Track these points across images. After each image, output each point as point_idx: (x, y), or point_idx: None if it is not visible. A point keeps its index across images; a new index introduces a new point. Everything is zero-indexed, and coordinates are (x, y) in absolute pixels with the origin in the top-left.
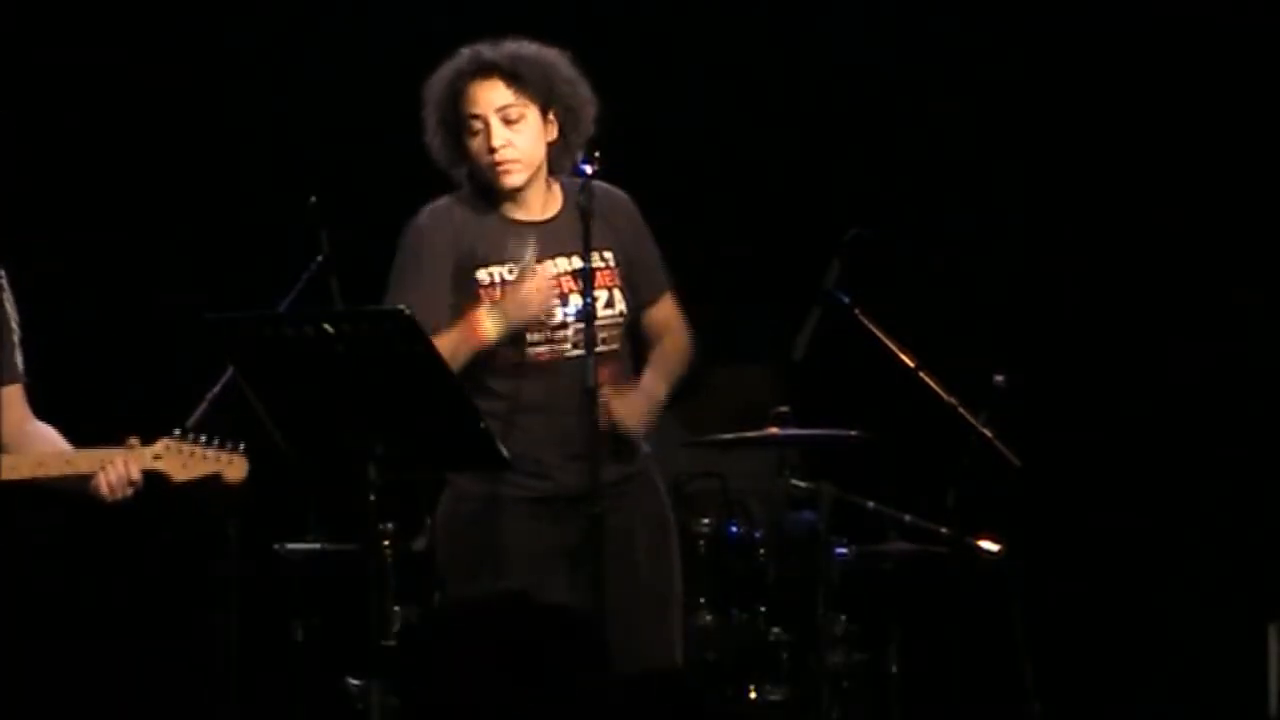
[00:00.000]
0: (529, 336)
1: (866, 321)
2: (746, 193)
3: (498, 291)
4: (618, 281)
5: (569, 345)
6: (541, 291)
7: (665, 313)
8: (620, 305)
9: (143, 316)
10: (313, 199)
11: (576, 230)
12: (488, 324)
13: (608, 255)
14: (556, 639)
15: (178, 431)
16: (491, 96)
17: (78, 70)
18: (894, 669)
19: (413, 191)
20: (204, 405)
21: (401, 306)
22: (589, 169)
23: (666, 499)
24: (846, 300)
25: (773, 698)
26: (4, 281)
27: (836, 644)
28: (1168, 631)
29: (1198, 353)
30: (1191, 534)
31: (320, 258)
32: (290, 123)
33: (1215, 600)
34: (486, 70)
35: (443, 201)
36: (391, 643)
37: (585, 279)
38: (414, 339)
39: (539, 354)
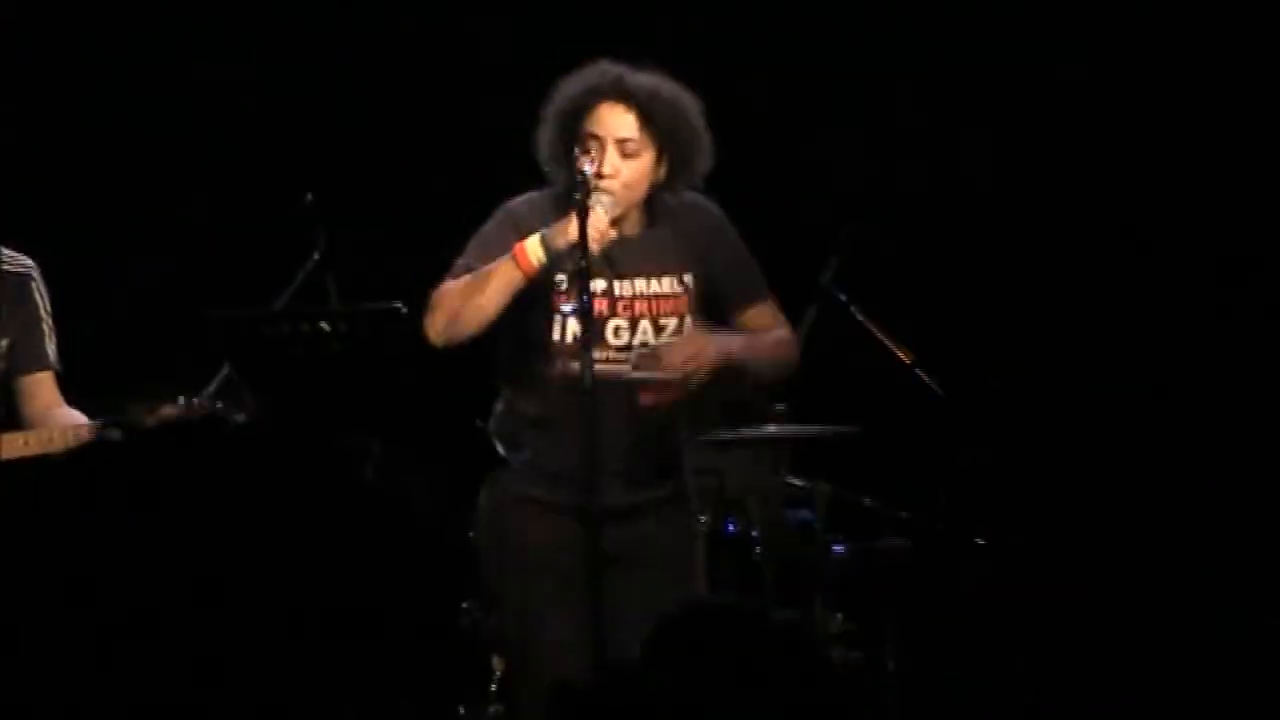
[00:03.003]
0: (595, 354)
1: (863, 319)
2: (741, 190)
3: (566, 297)
4: (691, 307)
5: (628, 367)
6: (592, 225)
7: (764, 319)
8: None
9: (138, 313)
10: (309, 196)
11: (658, 250)
12: (537, 252)
13: (686, 279)
14: None
15: (182, 399)
16: (617, 124)
17: (76, 66)
18: (891, 666)
19: (409, 189)
20: None
21: (398, 304)
22: (588, 167)
23: (699, 528)
24: (843, 297)
25: None
26: (36, 274)
27: (833, 641)
28: (1166, 630)
29: (1198, 351)
30: (1191, 533)
31: (317, 255)
32: (286, 119)
33: (1218, 601)
34: (622, 97)
35: (541, 195)
36: None
37: (583, 276)
38: (410, 337)
39: (596, 373)
